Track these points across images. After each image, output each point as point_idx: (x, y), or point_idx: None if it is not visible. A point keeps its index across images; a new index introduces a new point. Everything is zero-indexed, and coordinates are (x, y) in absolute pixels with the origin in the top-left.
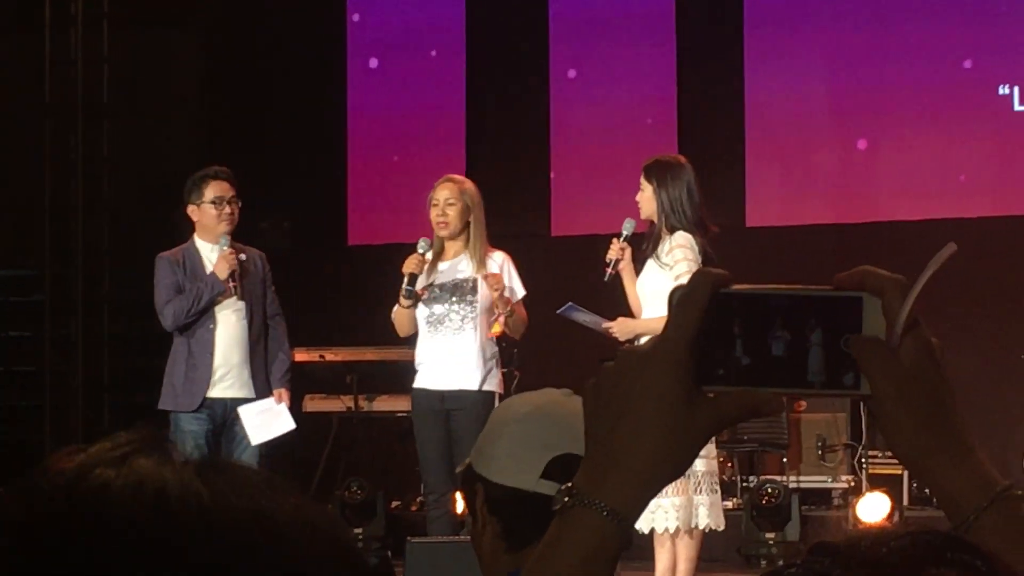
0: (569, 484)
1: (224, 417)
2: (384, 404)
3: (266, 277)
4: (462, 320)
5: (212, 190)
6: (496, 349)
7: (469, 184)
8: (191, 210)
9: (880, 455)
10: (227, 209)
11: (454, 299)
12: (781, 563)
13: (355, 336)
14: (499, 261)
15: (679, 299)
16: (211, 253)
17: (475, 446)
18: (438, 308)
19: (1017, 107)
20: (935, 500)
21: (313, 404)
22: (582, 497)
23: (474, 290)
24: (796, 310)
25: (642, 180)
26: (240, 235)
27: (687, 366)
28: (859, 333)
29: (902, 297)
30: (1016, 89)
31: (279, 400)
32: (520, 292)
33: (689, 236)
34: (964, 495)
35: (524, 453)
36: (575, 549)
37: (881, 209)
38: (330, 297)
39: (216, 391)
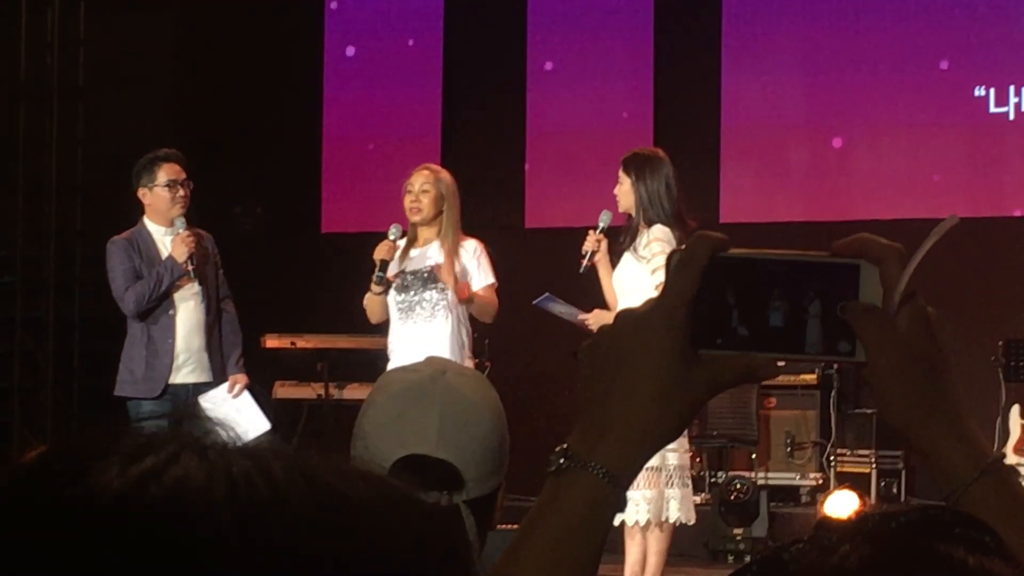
0: (564, 446)
1: (185, 402)
2: (355, 392)
3: (216, 259)
4: (433, 307)
5: (165, 173)
6: (470, 338)
7: (445, 173)
8: (142, 193)
9: (848, 453)
10: (180, 192)
11: (425, 286)
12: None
13: (327, 323)
14: (471, 249)
15: (677, 262)
16: (164, 237)
17: None
18: (409, 295)
19: (992, 109)
20: (928, 465)
21: (284, 391)
22: (577, 459)
23: None
24: (793, 275)
25: (620, 173)
26: (212, 219)
27: (684, 329)
28: (856, 300)
29: (901, 266)
30: (992, 91)
31: (232, 387)
32: (489, 279)
33: (667, 230)
34: (956, 465)
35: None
36: (570, 510)
37: (855, 208)
38: (302, 284)
39: (178, 377)
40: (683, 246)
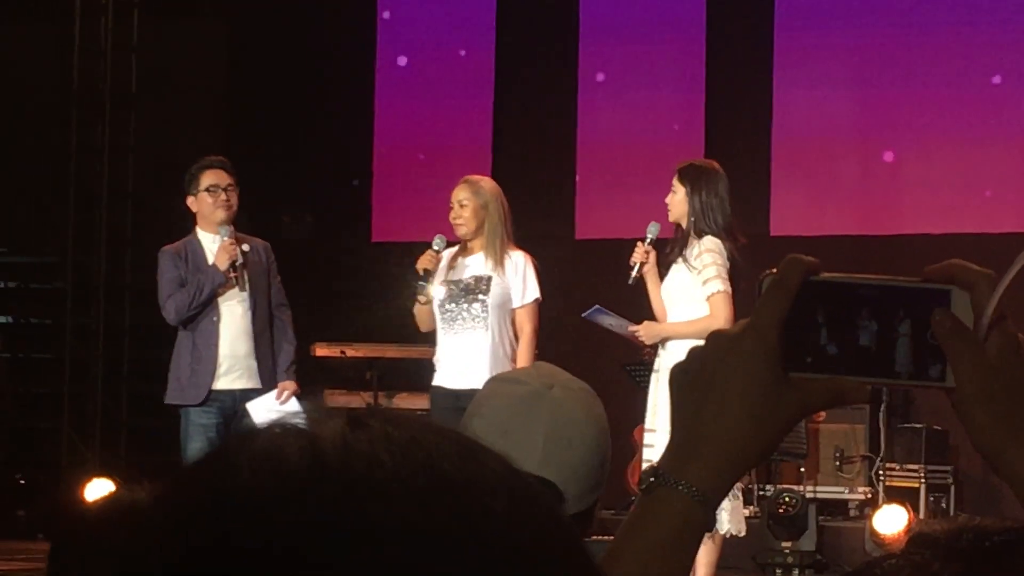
0: (655, 464)
1: (234, 408)
2: (404, 401)
3: (271, 267)
4: (474, 319)
5: (207, 179)
6: (513, 348)
7: (486, 182)
8: (190, 201)
9: (897, 467)
10: (223, 196)
11: (468, 297)
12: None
13: (376, 332)
14: (517, 261)
15: (770, 284)
16: (212, 244)
17: None
18: (452, 306)
19: None
20: (1014, 492)
21: (333, 399)
22: (667, 478)
23: (487, 289)
24: (884, 301)
25: (675, 182)
26: (262, 227)
27: (776, 351)
28: (948, 313)
29: (991, 291)
30: None
31: (280, 394)
32: (532, 296)
33: (718, 241)
34: None
35: None
36: (659, 529)
37: (906, 222)
38: (352, 293)
39: (223, 383)
40: (774, 268)
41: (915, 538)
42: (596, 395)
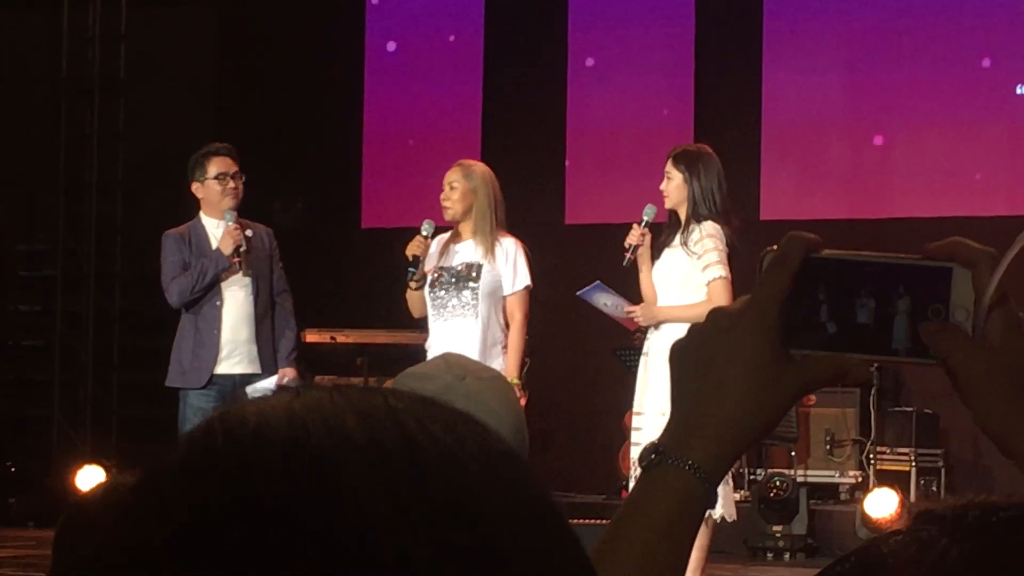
0: (655, 442)
1: (233, 392)
2: None
3: (273, 253)
4: (463, 306)
5: (215, 166)
6: (503, 335)
7: (479, 167)
8: (195, 187)
9: (888, 451)
10: (231, 184)
11: (457, 284)
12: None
13: (367, 318)
14: (507, 248)
15: (771, 262)
16: (216, 229)
17: None
18: (442, 293)
19: None
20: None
21: None
22: (669, 454)
23: (477, 276)
24: (885, 277)
25: (670, 168)
26: (253, 213)
27: (776, 328)
28: (947, 303)
29: (993, 270)
30: None
31: (281, 380)
32: (523, 283)
33: (718, 226)
34: None
35: None
36: (660, 506)
37: (896, 205)
38: (342, 279)
39: (223, 367)
40: (775, 246)
41: (921, 515)
42: (509, 382)
